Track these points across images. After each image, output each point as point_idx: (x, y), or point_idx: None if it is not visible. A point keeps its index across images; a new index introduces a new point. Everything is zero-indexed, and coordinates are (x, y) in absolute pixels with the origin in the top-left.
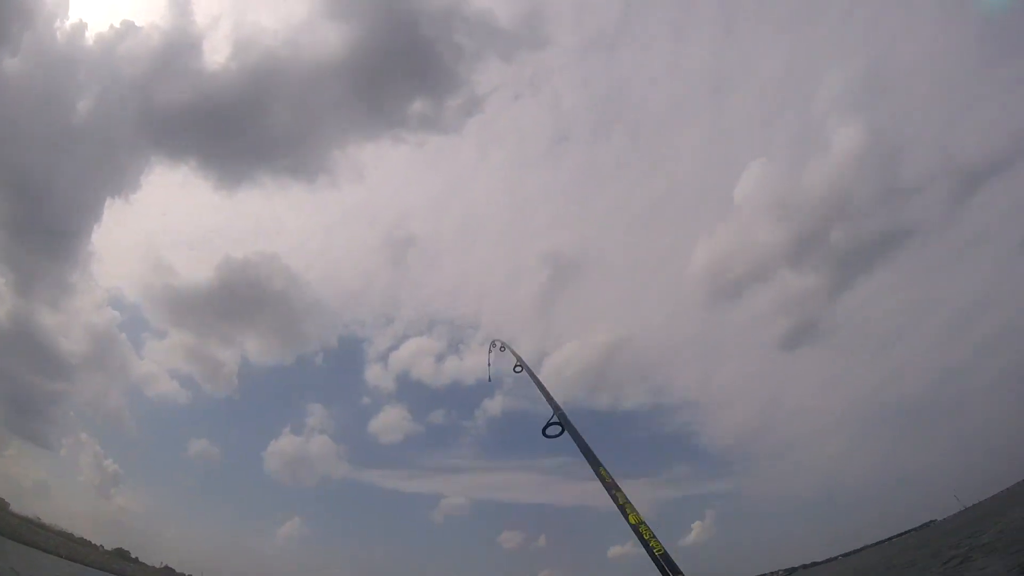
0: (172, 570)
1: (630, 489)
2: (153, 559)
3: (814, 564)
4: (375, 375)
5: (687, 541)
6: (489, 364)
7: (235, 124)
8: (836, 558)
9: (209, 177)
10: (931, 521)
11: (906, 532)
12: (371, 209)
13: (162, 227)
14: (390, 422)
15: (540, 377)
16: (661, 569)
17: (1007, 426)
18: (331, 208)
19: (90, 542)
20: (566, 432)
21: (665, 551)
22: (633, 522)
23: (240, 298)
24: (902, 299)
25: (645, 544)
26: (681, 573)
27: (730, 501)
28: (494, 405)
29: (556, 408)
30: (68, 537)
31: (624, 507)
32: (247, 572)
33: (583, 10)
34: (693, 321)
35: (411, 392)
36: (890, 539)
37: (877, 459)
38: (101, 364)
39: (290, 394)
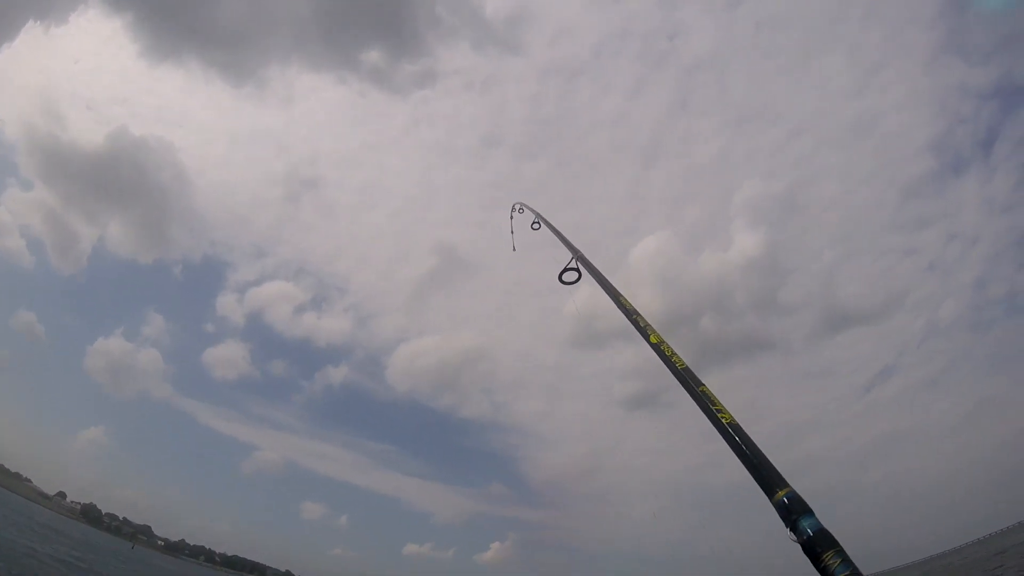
0: None
1: (439, 493)
2: None
3: None
4: (227, 305)
5: (484, 558)
6: (512, 232)
7: None
8: None
9: (138, 40)
10: None
11: None
12: (286, 138)
13: (69, 74)
14: (228, 357)
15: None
16: (684, 383)
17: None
18: (246, 120)
19: None
20: (582, 277)
21: (687, 366)
22: (654, 341)
23: (121, 177)
24: (742, 400)
25: (667, 360)
26: (702, 383)
27: (535, 531)
28: (337, 374)
29: (575, 251)
30: None
31: (645, 329)
32: (37, 466)
33: (563, 33)
34: (553, 355)
35: (258, 334)
36: None
37: (680, 533)
38: None
39: (135, 296)
